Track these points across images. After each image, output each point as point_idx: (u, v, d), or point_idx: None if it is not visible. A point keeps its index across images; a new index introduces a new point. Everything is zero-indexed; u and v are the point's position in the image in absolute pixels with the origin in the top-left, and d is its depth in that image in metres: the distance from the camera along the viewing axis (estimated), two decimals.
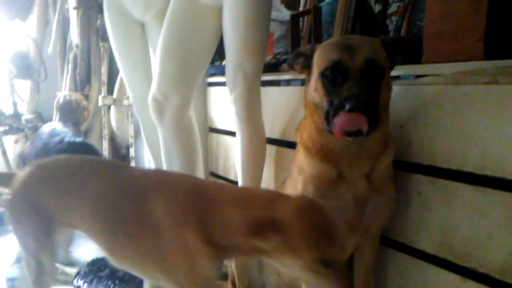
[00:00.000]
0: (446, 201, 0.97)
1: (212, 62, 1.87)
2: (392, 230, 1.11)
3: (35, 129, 2.62)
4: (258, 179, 1.42)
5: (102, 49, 2.42)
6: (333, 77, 0.90)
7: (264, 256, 0.83)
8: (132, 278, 1.51)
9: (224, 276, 1.48)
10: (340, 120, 0.85)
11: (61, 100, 2.32)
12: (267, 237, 0.78)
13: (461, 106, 0.93)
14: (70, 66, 2.95)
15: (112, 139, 2.71)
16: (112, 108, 2.70)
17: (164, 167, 1.58)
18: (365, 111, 0.84)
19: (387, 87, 0.93)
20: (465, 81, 0.92)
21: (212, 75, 2.07)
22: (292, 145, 1.41)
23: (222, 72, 1.50)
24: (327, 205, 0.84)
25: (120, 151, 2.86)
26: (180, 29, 1.42)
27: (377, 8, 1.62)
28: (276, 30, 2.18)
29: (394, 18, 1.52)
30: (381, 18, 1.56)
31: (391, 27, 1.53)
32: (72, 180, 1.01)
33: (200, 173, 1.65)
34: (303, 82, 1.35)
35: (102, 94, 2.42)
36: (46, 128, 2.13)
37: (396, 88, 1.03)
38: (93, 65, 2.93)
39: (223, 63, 1.74)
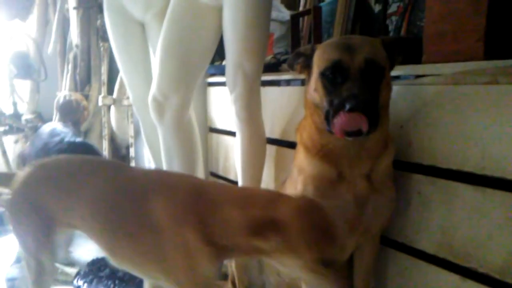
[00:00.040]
0: (446, 201, 0.97)
1: (212, 62, 1.87)
2: (392, 230, 1.11)
3: (35, 129, 2.62)
4: (258, 179, 1.42)
5: (102, 49, 2.42)
6: (333, 77, 0.90)
7: (264, 256, 0.83)
8: (132, 278, 1.51)
9: (224, 276, 1.48)
10: (340, 120, 0.85)
11: (61, 100, 2.33)
12: (267, 237, 0.78)
13: (461, 106, 0.93)
14: (70, 66, 2.95)
15: (112, 139, 2.71)
16: (112, 108, 2.70)
17: (164, 167, 1.58)
18: (365, 111, 0.84)
19: (387, 87, 0.93)
20: (465, 81, 0.92)
21: (212, 75, 2.07)
22: (292, 145, 1.41)
23: (222, 72, 1.50)
24: (327, 205, 0.84)
25: (120, 151, 2.86)
26: (180, 29, 1.42)
27: (377, 8, 1.62)
28: (276, 30, 2.18)
29: (394, 18, 1.52)
30: (381, 18, 1.56)
31: (391, 27, 1.53)
32: (72, 180, 1.01)
33: (200, 173, 1.65)
34: (303, 82, 1.35)
35: (102, 94, 2.42)
36: (46, 128, 2.13)
37: (396, 88, 1.03)
38: (93, 65, 2.93)
39: (223, 63, 1.74)
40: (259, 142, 1.40)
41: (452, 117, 0.95)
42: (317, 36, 1.57)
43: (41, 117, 2.94)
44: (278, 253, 0.79)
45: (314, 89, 0.95)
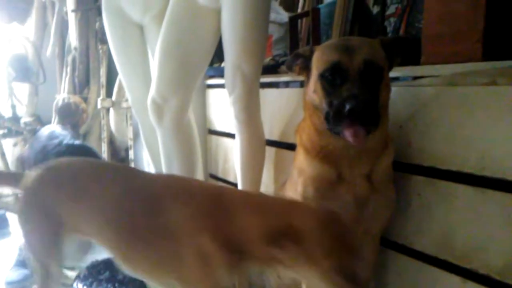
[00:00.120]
0: (446, 203, 0.97)
1: (211, 64, 1.87)
2: (392, 231, 1.11)
3: (34, 132, 2.61)
4: (258, 181, 1.42)
5: (100, 51, 2.42)
6: (332, 79, 0.90)
7: (282, 266, 0.80)
8: (132, 281, 1.50)
9: None
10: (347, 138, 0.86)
11: (60, 103, 2.32)
12: (285, 247, 0.75)
13: (460, 107, 0.93)
14: (68, 68, 2.95)
15: (111, 142, 2.71)
16: (111, 110, 2.70)
17: (164, 169, 1.58)
18: (365, 111, 0.84)
19: (386, 87, 0.93)
20: (464, 83, 0.92)
21: (211, 77, 2.07)
22: (291, 146, 1.41)
23: (221, 74, 1.50)
24: (327, 206, 0.84)
25: (119, 154, 2.86)
26: (178, 31, 1.42)
27: (375, 9, 1.62)
28: (275, 32, 2.18)
29: (392, 19, 1.52)
30: (379, 19, 1.56)
31: (389, 29, 1.53)
32: (84, 185, 0.98)
33: (200, 175, 1.65)
34: (302, 84, 1.35)
35: (101, 97, 2.42)
36: (45, 131, 2.13)
37: (395, 89, 1.03)
38: (91, 67, 2.93)
39: (222, 65, 1.74)
40: (258, 144, 1.40)
41: (451, 118, 0.95)
42: (315, 38, 1.57)
43: (40, 120, 2.94)
44: (296, 263, 0.76)
45: (313, 91, 0.95)
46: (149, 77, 1.68)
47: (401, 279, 1.11)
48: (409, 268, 1.08)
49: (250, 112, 1.35)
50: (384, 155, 0.98)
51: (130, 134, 2.36)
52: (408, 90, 1.06)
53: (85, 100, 2.78)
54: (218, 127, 2.04)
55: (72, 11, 2.86)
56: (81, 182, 0.99)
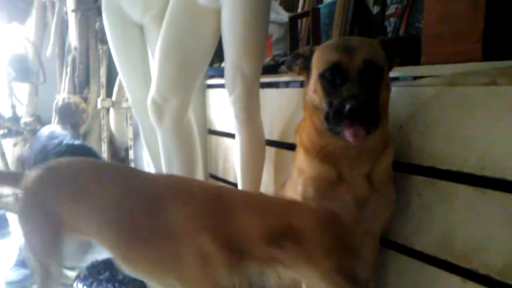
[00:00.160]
0: (446, 203, 0.97)
1: (211, 64, 1.87)
2: (393, 231, 1.11)
3: (34, 132, 2.61)
4: (258, 181, 1.42)
5: (100, 51, 2.42)
6: (332, 79, 0.90)
7: (282, 266, 0.80)
8: (132, 281, 1.50)
9: None
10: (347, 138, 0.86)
11: (60, 103, 2.32)
12: (285, 247, 0.75)
13: (460, 107, 0.93)
14: (68, 68, 2.95)
15: (111, 142, 2.71)
16: (111, 110, 2.70)
17: (164, 169, 1.58)
18: (365, 111, 0.84)
19: (386, 87, 0.93)
20: (464, 83, 0.92)
21: (211, 77, 2.07)
22: (291, 146, 1.41)
23: (221, 74, 1.50)
24: (327, 206, 0.84)
25: (119, 154, 2.86)
26: (178, 31, 1.42)
27: (375, 9, 1.62)
28: (275, 32, 2.18)
29: (392, 19, 1.52)
30: (380, 19, 1.56)
31: (389, 29, 1.53)
32: (85, 185, 0.98)
33: (200, 175, 1.65)
34: (301, 84, 1.35)
35: (101, 97, 2.42)
36: (45, 131, 2.13)
37: (395, 89, 1.03)
38: (91, 67, 2.93)
39: (222, 65, 1.74)
40: (258, 144, 1.40)
41: (451, 118, 0.95)
42: (315, 38, 1.57)
43: (40, 120, 2.94)
44: (296, 263, 0.76)
45: (313, 91, 0.95)
46: (149, 77, 1.68)
47: (401, 279, 1.11)
48: (409, 268, 1.08)
49: (250, 112, 1.35)
50: (384, 155, 0.98)
51: (130, 134, 2.36)
52: (408, 90, 1.06)
53: (85, 100, 2.78)
54: (218, 127, 2.04)
55: (72, 11, 2.86)
56: (81, 182, 0.99)
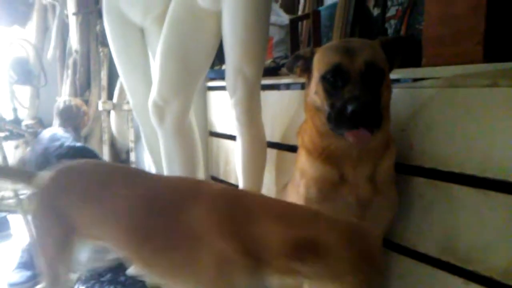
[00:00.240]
0: (448, 204, 0.97)
1: (212, 66, 1.88)
2: (395, 233, 1.11)
3: (36, 134, 2.62)
4: (259, 183, 1.42)
5: (101, 54, 2.42)
6: (333, 80, 0.90)
7: (302, 278, 0.77)
8: (134, 283, 1.50)
9: None
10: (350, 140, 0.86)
11: (61, 106, 2.33)
12: (306, 260, 0.72)
13: (461, 109, 0.93)
14: (69, 71, 2.96)
15: (113, 144, 2.71)
16: (112, 113, 2.71)
17: (165, 171, 1.58)
18: (367, 112, 0.84)
19: (387, 88, 0.93)
20: (465, 84, 0.92)
21: (212, 79, 2.08)
22: (292, 148, 1.41)
23: (222, 77, 1.50)
24: (329, 207, 0.83)
25: (120, 156, 2.87)
26: (179, 33, 1.42)
27: (376, 12, 1.62)
28: (275, 34, 2.19)
29: (393, 21, 1.52)
30: (380, 21, 1.56)
31: (390, 31, 1.53)
32: (100, 189, 0.96)
33: (201, 177, 1.65)
34: (302, 86, 1.35)
35: (102, 99, 2.43)
36: (46, 134, 2.13)
37: (396, 91, 1.03)
38: (92, 70, 2.93)
39: (223, 67, 1.75)
40: (259, 146, 1.40)
41: (452, 120, 0.95)
42: (316, 40, 1.58)
43: (41, 123, 2.95)
44: (316, 277, 0.73)
45: (315, 92, 0.95)
46: (150, 79, 1.69)
47: (403, 281, 1.10)
48: (412, 270, 1.08)
49: (251, 114, 1.36)
50: (386, 156, 0.98)
51: (131, 136, 2.36)
52: (409, 92, 1.06)
53: (86, 102, 2.78)
54: (219, 129, 2.04)
55: (73, 14, 2.87)
56: (95, 185, 0.98)
